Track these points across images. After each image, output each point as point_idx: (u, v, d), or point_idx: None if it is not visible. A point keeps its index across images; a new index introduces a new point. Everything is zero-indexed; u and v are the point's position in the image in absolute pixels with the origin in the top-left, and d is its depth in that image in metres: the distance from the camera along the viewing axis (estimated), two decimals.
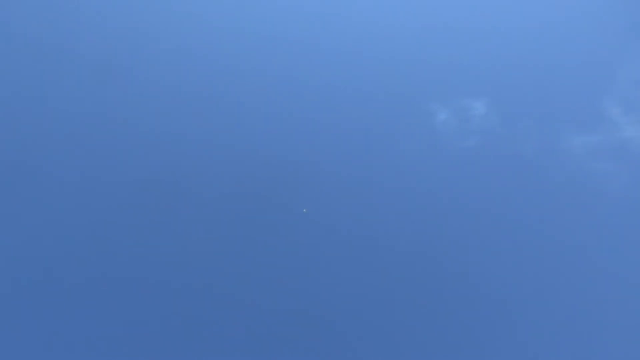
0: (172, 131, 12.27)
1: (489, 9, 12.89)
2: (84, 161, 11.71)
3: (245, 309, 10.40)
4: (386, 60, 12.38)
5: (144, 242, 10.68)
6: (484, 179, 11.02)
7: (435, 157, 11.22)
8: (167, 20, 13.27)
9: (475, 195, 10.98)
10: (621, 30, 13.00)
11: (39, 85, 12.16)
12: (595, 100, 12.00)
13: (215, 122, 11.85)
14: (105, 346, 9.98)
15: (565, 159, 11.31)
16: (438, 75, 12.24)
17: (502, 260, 10.60)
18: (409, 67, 12.42)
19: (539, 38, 12.94)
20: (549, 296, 10.28)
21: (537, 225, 10.65)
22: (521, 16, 13.16)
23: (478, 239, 10.61)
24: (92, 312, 10.08)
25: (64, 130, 11.81)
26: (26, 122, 12.01)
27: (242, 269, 10.82)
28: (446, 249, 10.77)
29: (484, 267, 10.59)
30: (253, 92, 12.26)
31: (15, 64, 12.46)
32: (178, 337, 10.11)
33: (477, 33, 12.72)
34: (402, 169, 11.28)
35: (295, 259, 10.44)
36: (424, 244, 10.63)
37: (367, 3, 13.08)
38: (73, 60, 12.32)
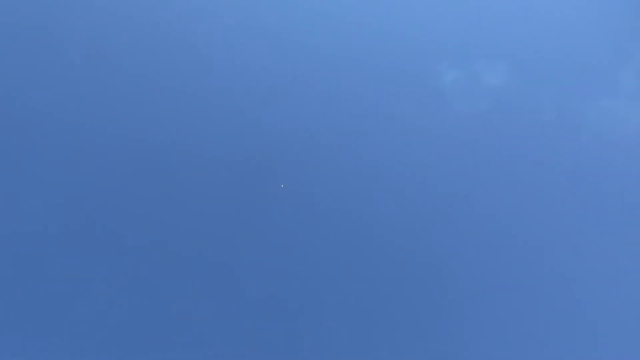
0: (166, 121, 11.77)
1: None
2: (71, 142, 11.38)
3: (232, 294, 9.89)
4: (391, 16, 11.39)
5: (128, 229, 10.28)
6: (495, 146, 10.11)
7: (441, 122, 10.33)
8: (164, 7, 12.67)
9: (483, 165, 10.01)
10: None
11: (27, 68, 11.84)
12: (618, 69, 10.90)
13: (208, 81, 11.19)
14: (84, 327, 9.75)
15: (584, 127, 10.33)
16: (450, 34, 11.23)
17: (514, 232, 9.74)
18: (417, 23, 11.39)
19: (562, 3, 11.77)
20: (572, 270, 9.45)
21: (551, 198, 9.70)
22: None
23: (486, 213, 9.69)
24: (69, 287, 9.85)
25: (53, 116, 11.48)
26: (13, 108, 11.71)
27: (233, 252, 10.25)
28: (452, 223, 9.91)
29: (494, 239, 9.75)
30: (245, 51, 11.54)
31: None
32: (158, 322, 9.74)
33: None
34: (401, 135, 10.40)
35: (282, 237, 9.80)
36: (426, 217, 9.78)
37: None
38: (64, 44, 11.94)
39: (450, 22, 11.58)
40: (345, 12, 11.62)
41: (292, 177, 10.42)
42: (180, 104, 10.83)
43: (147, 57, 11.34)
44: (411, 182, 10.50)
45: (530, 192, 10.02)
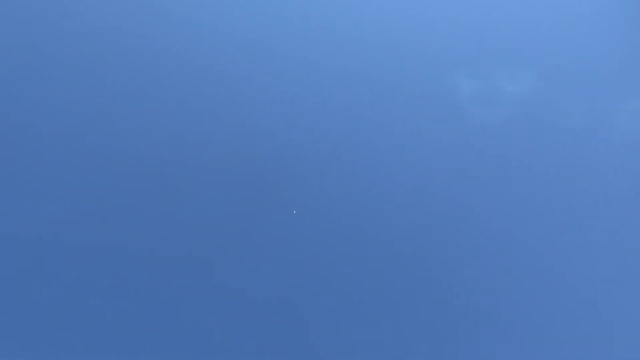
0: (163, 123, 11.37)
1: None
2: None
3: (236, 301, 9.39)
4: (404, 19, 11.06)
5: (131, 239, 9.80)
6: (519, 156, 9.79)
7: (461, 133, 9.96)
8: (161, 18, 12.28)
9: (508, 176, 9.66)
10: None
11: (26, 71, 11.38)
12: None
13: (211, 88, 10.79)
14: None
15: (614, 131, 10.02)
16: (467, 40, 10.88)
17: (544, 248, 9.40)
18: (431, 28, 11.05)
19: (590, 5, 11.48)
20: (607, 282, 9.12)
21: (584, 208, 9.35)
22: None
23: (513, 228, 9.33)
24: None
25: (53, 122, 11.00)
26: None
27: (237, 259, 9.76)
28: (477, 240, 9.50)
29: (522, 256, 9.38)
30: (257, 60, 11.15)
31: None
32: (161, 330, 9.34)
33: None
34: (418, 147, 9.99)
35: (292, 248, 9.37)
36: (448, 233, 9.35)
37: None
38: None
39: (466, 27, 11.35)
40: (355, 20, 11.30)
41: (305, 190, 10.12)
42: (179, 109, 10.53)
43: (141, 61, 11.02)
44: (431, 197, 10.16)
45: (560, 199, 9.74)
